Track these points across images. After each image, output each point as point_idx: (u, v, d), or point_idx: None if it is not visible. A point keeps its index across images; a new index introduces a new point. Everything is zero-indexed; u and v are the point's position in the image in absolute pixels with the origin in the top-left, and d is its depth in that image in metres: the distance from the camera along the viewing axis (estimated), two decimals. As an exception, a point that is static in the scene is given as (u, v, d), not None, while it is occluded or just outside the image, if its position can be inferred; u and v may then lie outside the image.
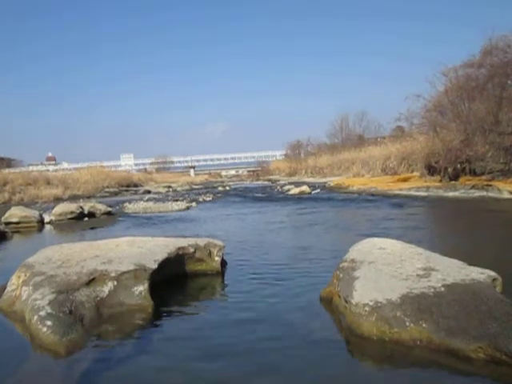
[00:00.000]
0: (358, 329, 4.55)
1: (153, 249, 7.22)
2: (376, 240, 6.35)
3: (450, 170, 25.91)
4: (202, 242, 7.98)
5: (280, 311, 5.85)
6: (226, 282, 7.65)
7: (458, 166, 25.45)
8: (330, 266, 7.56)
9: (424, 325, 4.22)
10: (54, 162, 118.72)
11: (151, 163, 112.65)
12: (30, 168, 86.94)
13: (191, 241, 7.96)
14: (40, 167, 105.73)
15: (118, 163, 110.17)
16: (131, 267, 6.26)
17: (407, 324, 4.29)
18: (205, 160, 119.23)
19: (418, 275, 4.94)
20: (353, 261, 5.65)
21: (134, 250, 7.10)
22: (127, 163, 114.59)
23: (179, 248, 7.53)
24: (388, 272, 5.06)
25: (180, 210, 23.61)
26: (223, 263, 8.19)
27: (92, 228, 16.94)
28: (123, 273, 6.14)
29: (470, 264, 5.49)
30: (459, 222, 13.94)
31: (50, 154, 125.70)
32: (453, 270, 5.06)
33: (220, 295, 7.10)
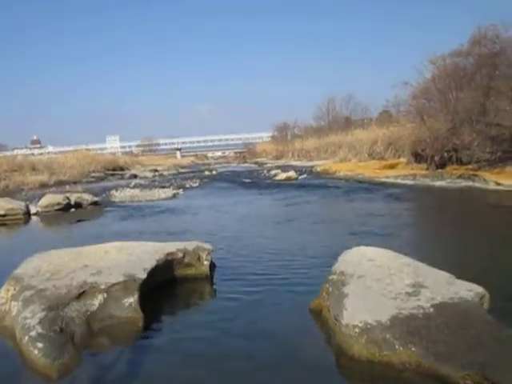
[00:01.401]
0: (349, 350, 4.60)
1: (141, 256, 7.21)
2: (364, 249, 6.38)
3: (436, 158, 25.98)
4: (190, 246, 7.98)
5: (269, 323, 5.89)
6: (215, 288, 7.69)
7: (445, 154, 25.54)
8: (319, 269, 7.71)
9: (413, 348, 4.27)
10: (38, 146, 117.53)
11: (137, 145, 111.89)
12: (15, 152, 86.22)
13: (180, 245, 7.94)
14: (25, 151, 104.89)
15: (103, 146, 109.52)
16: (121, 278, 6.25)
17: (397, 347, 4.35)
18: (191, 142, 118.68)
19: (406, 293, 4.99)
20: (342, 273, 5.68)
21: (123, 258, 7.08)
22: (113, 145, 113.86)
23: (168, 254, 7.53)
24: (377, 290, 5.11)
25: (167, 199, 23.62)
26: (212, 266, 8.20)
27: (79, 221, 16.84)
28: (113, 285, 6.14)
29: (458, 271, 5.59)
30: (446, 218, 14.02)
31: (34, 138, 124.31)
32: (441, 287, 5.11)
33: (209, 304, 7.11)
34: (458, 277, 5.63)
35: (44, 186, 38.37)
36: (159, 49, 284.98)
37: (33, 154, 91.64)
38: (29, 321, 5.29)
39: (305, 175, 34.91)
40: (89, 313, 5.84)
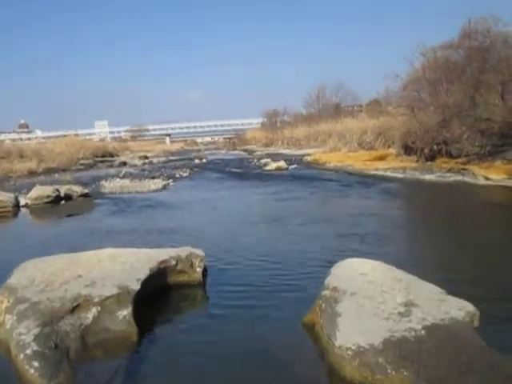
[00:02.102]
0: (341, 371, 4.67)
1: (135, 264, 7.23)
2: (357, 263, 6.45)
3: (426, 150, 26.12)
4: (183, 252, 7.99)
5: (261, 336, 5.94)
6: (208, 295, 7.73)
7: (435, 147, 25.66)
8: (312, 276, 7.81)
9: (405, 373, 4.35)
10: (26, 130, 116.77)
11: (126, 131, 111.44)
12: (3, 136, 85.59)
13: (173, 252, 7.97)
14: (13, 135, 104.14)
15: (92, 131, 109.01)
16: (114, 291, 6.28)
17: (389, 371, 4.41)
18: (180, 128, 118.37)
19: (399, 313, 5.06)
20: (335, 289, 5.74)
21: (117, 267, 7.10)
22: (102, 130, 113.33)
23: (161, 262, 7.55)
24: (370, 309, 5.18)
25: (157, 190, 23.66)
26: (204, 271, 8.24)
27: (69, 215, 16.80)
28: (107, 298, 6.17)
29: (447, 278, 5.70)
30: (435, 218, 14.04)
31: (22, 122, 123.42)
32: (432, 305, 5.20)
33: (202, 314, 7.10)
34: (449, 284, 5.83)
35: (32, 173, 38.24)
36: (149, 35, 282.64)
37: (21, 139, 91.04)
38: (24, 337, 5.32)
39: (295, 165, 34.94)
40: (83, 327, 5.87)
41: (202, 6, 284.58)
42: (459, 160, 23.95)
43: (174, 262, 7.74)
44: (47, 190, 20.24)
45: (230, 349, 5.69)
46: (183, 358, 5.52)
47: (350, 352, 4.66)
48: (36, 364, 4.93)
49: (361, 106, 70.49)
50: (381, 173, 25.21)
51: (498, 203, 15.70)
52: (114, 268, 7.09)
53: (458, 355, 4.37)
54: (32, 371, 4.87)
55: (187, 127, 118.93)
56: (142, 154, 66.71)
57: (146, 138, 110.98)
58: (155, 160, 54.60)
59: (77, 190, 21.37)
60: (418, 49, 29.01)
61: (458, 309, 5.16)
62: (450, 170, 22.52)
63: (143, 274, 6.97)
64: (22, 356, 5.06)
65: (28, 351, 5.09)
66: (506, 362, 4.33)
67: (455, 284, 7.05)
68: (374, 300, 5.37)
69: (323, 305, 5.68)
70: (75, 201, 20.49)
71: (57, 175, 36.15)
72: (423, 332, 4.71)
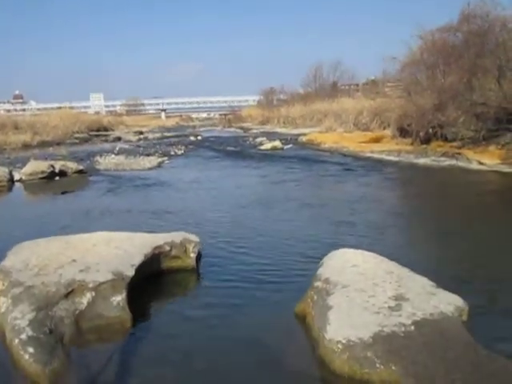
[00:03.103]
0: (331, 364, 4.76)
1: (129, 250, 7.28)
2: (349, 254, 6.56)
3: (421, 133, 26.14)
4: (177, 238, 8.04)
5: (252, 326, 6.02)
6: (201, 281, 7.82)
7: (430, 130, 25.69)
8: (305, 263, 7.95)
9: (393, 367, 4.44)
10: (21, 101, 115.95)
11: (122, 105, 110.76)
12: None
13: (167, 238, 8.00)
14: (7, 106, 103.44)
15: (87, 104, 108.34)
16: (109, 276, 6.34)
17: (377, 365, 4.50)
18: (176, 103, 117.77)
19: (389, 307, 5.15)
20: (326, 281, 5.83)
21: (111, 252, 7.16)
22: (97, 103, 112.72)
23: (155, 247, 7.60)
24: (360, 302, 5.26)
25: (152, 168, 23.69)
26: (198, 257, 8.29)
27: (64, 193, 16.79)
28: (101, 283, 6.23)
29: (438, 268, 5.80)
30: (429, 205, 14.17)
31: (17, 92, 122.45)
32: (422, 299, 5.30)
33: (195, 299, 7.14)
34: (439, 275, 5.98)
35: (27, 146, 38.18)
36: (146, 10, 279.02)
37: (15, 110, 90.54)
38: (18, 322, 5.38)
39: (290, 145, 34.97)
40: (77, 312, 5.94)
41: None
42: (454, 144, 24.03)
43: (168, 248, 7.80)
44: (42, 166, 20.21)
45: (221, 336, 5.78)
46: (176, 344, 5.62)
47: (339, 345, 4.74)
48: (31, 350, 4.99)
49: (357, 85, 70.35)
50: (376, 155, 25.27)
51: (491, 190, 15.79)
52: (109, 253, 7.14)
53: (446, 352, 4.46)
54: (27, 357, 4.93)
55: (183, 102, 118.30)
56: (137, 129, 66.60)
57: (141, 112, 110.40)
58: (150, 136, 54.39)
59: (72, 166, 21.32)
60: (416, 31, 28.92)
61: (448, 303, 5.26)
62: (444, 154, 22.60)
63: (138, 259, 7.03)
64: (16, 341, 5.13)
65: (23, 336, 5.15)
66: (490, 359, 4.44)
67: (445, 275, 7.17)
68: (365, 293, 5.46)
69: (315, 296, 5.76)
70: (70, 177, 20.47)
71: (51, 149, 36.05)
72: (412, 327, 4.80)
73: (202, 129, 74.74)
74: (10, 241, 8.24)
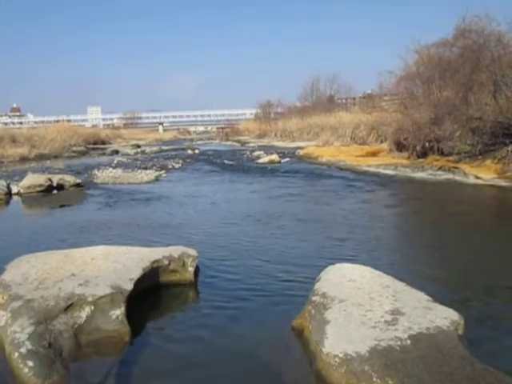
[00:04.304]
0: (328, 378, 4.80)
1: (128, 263, 7.33)
2: (346, 268, 6.63)
3: (418, 147, 26.30)
4: (176, 252, 8.09)
5: (250, 339, 6.05)
6: (199, 295, 7.83)
7: (427, 144, 25.83)
8: (303, 278, 7.93)
9: (390, 382, 4.48)
10: (18, 114, 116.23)
11: (119, 118, 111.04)
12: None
13: (166, 251, 8.06)
14: (4, 119, 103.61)
15: (85, 117, 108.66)
16: (108, 290, 6.38)
17: (374, 379, 4.55)
18: (174, 116, 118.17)
19: (385, 321, 5.20)
20: (324, 295, 5.89)
21: (110, 266, 7.20)
22: (94, 117, 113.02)
23: (154, 261, 7.64)
24: (357, 317, 5.32)
25: (149, 182, 23.73)
26: (196, 271, 8.33)
27: (61, 206, 16.84)
28: (100, 297, 6.27)
29: (435, 283, 5.82)
30: (425, 219, 14.17)
31: (14, 105, 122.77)
32: (418, 314, 5.35)
33: (193, 314, 7.15)
34: (435, 289, 6.00)
35: (24, 159, 38.27)
36: (144, 22, 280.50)
37: (12, 123, 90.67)
38: (18, 335, 5.42)
39: (287, 159, 35.11)
40: (76, 326, 5.97)
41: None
42: (450, 158, 24.15)
43: (166, 262, 7.84)
44: (40, 179, 20.27)
45: (219, 349, 5.82)
46: (174, 358, 5.66)
47: (337, 359, 4.79)
48: (30, 363, 5.03)
49: (354, 98, 70.74)
50: (373, 169, 25.37)
51: (488, 204, 15.91)
52: (107, 267, 7.19)
53: (441, 366, 4.51)
54: (26, 370, 4.97)
55: (180, 116, 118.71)
56: (135, 142, 66.84)
57: (138, 125, 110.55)
58: (148, 149, 54.43)
59: (69, 179, 21.37)
60: (412, 46, 29.22)
61: (444, 317, 5.32)
62: (440, 168, 22.73)
63: (136, 273, 7.08)
64: (16, 355, 5.16)
65: (22, 350, 5.19)
66: (486, 372, 4.48)
67: (441, 289, 7.24)
68: (362, 307, 5.52)
69: (312, 311, 5.81)
70: (68, 191, 20.51)
71: (49, 162, 36.17)
72: (409, 342, 4.85)
73: (199, 142, 75.05)
74: (8, 254, 8.30)
